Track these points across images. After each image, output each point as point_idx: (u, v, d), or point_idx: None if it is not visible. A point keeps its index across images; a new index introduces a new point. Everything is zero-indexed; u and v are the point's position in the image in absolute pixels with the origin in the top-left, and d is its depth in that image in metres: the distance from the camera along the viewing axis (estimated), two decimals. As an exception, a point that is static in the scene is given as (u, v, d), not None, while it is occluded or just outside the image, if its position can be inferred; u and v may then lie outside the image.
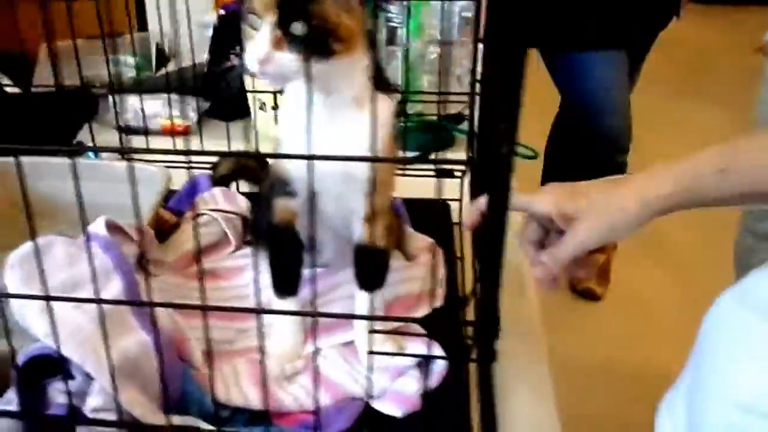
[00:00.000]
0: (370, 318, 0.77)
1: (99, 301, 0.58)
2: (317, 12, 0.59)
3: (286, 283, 0.79)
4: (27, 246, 0.70)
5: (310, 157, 0.51)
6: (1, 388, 0.67)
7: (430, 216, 1.00)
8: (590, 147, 2.10)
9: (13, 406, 0.66)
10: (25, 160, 0.95)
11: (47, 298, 0.59)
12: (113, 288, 0.71)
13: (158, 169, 0.98)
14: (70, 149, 0.52)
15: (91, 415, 0.64)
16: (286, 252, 0.77)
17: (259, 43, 0.60)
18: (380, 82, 0.68)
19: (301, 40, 0.59)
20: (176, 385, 0.69)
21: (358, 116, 0.66)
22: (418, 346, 0.77)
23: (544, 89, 2.21)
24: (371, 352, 0.72)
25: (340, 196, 0.71)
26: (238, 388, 0.73)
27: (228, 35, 1.40)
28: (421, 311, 0.83)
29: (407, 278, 0.86)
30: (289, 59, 0.60)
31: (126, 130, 1.34)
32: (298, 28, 0.59)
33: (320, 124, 0.62)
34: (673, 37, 2.19)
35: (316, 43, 0.60)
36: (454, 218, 1.02)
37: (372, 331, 0.75)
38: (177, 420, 0.66)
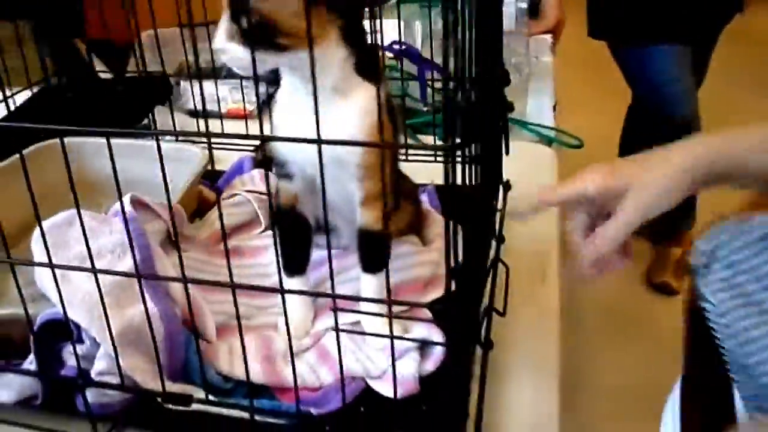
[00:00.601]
0: (379, 301, 0.79)
1: (96, 270, 0.62)
2: (257, 9, 0.63)
3: (293, 261, 0.82)
4: (54, 218, 0.76)
5: (318, 141, 0.55)
6: (26, 349, 0.74)
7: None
8: (659, 138, 2.05)
9: (33, 366, 0.72)
10: (88, 140, 1.04)
11: (51, 266, 0.64)
12: (128, 260, 0.75)
13: (200, 150, 1.03)
14: (106, 131, 0.56)
15: (96, 378, 0.69)
16: (291, 233, 0.80)
17: (217, 35, 0.66)
18: (365, 71, 0.70)
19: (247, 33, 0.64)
20: (180, 355, 0.73)
21: (338, 104, 0.69)
22: (422, 329, 0.79)
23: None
24: (366, 334, 0.74)
25: (336, 180, 0.73)
26: (241, 361, 0.76)
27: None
28: (431, 295, 0.84)
29: (419, 263, 0.87)
30: (239, 50, 0.65)
31: (195, 114, 1.41)
32: (242, 22, 0.63)
33: (306, 111, 0.65)
34: (741, 28, 2.17)
35: (261, 37, 0.63)
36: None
37: (371, 314, 0.77)
38: (175, 387, 0.70)
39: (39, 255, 0.74)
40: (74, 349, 0.68)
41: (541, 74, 1.57)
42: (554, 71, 1.62)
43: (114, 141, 1.07)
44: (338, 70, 0.69)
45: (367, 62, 0.70)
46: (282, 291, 0.62)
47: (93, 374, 0.70)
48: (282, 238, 0.82)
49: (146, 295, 0.69)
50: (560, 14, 1.86)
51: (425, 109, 1.36)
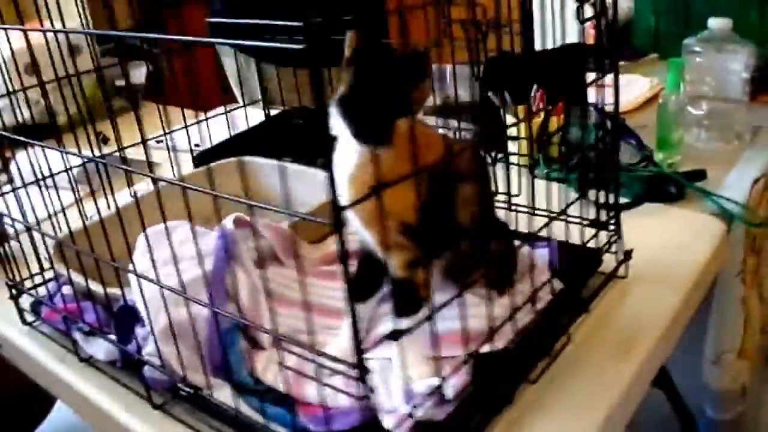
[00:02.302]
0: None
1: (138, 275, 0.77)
2: None
3: (356, 291, 0.89)
4: (158, 226, 0.92)
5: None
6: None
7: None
8: None
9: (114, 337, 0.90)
10: (268, 162, 1.22)
11: (115, 268, 0.80)
12: (201, 267, 0.89)
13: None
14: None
15: (145, 357, 0.84)
16: (362, 267, 0.88)
17: None
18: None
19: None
20: (217, 354, 0.84)
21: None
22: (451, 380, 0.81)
23: None
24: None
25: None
26: (275, 369, 0.85)
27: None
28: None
29: (471, 315, 0.88)
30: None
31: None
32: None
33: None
34: None
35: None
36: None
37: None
38: (198, 378, 0.82)
39: (139, 250, 0.92)
40: (133, 332, 0.84)
41: (760, 144, 1.42)
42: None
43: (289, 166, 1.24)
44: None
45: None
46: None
47: (144, 353, 0.85)
48: (357, 268, 0.90)
49: (202, 298, 0.82)
50: None
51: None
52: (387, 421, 0.78)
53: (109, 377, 0.93)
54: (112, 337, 0.90)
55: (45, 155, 0.97)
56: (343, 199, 0.81)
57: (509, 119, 1.37)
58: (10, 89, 1.06)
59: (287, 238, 1.04)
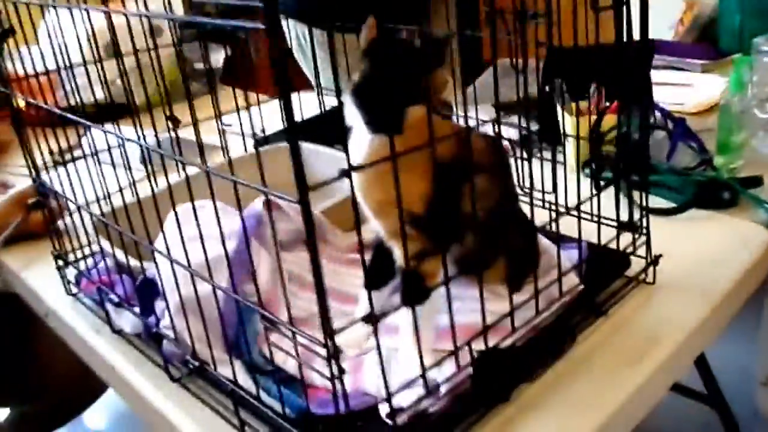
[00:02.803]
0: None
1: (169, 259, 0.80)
2: None
3: (371, 278, 0.89)
4: (187, 204, 0.96)
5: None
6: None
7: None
8: None
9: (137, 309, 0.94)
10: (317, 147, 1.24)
11: (135, 242, 0.84)
12: (228, 245, 0.91)
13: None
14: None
15: (162, 330, 0.88)
16: (378, 255, 0.89)
17: None
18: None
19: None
20: (231, 332, 0.87)
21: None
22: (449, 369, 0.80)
23: None
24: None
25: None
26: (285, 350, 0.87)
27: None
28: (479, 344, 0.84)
29: (477, 310, 0.87)
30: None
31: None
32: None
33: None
34: None
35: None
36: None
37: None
38: (205, 352, 0.85)
39: (168, 227, 0.95)
40: (150, 304, 0.88)
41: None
42: None
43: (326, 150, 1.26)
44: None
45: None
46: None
47: (161, 326, 0.89)
48: (372, 257, 0.91)
49: (224, 276, 0.85)
50: None
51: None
52: (383, 410, 0.79)
53: (137, 350, 0.97)
54: (136, 309, 0.94)
55: (105, 135, 0.99)
56: (357, 188, 0.82)
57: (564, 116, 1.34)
58: (89, 68, 1.06)
59: (316, 223, 1.06)
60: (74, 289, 1.13)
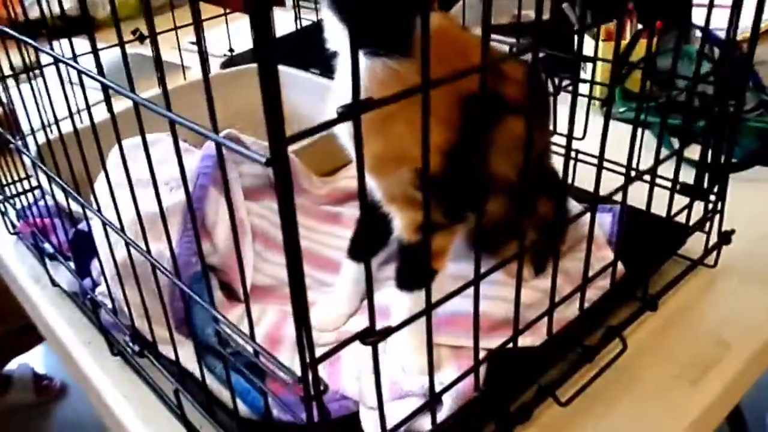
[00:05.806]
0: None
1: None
2: None
3: (355, 245, 0.73)
4: (135, 138, 0.77)
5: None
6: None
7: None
8: None
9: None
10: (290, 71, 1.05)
11: (65, 191, 0.65)
12: (178, 195, 0.73)
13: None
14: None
15: (97, 297, 0.70)
16: (366, 218, 0.69)
17: None
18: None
19: None
20: (178, 303, 0.69)
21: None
22: (450, 373, 0.63)
23: None
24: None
25: None
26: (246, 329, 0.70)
27: None
28: (492, 342, 0.66)
29: (498, 297, 0.69)
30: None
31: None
32: None
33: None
34: None
35: None
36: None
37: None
38: (155, 329, 0.67)
39: (111, 166, 0.76)
40: (81, 265, 0.70)
41: None
42: None
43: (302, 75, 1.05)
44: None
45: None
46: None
47: (96, 292, 0.71)
48: (359, 219, 0.73)
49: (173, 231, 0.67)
50: None
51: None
52: (366, 422, 0.62)
53: (79, 310, 0.81)
54: (72, 265, 0.76)
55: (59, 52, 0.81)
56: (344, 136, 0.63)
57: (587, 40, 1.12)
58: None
59: (294, 168, 0.87)
60: (15, 229, 0.95)
